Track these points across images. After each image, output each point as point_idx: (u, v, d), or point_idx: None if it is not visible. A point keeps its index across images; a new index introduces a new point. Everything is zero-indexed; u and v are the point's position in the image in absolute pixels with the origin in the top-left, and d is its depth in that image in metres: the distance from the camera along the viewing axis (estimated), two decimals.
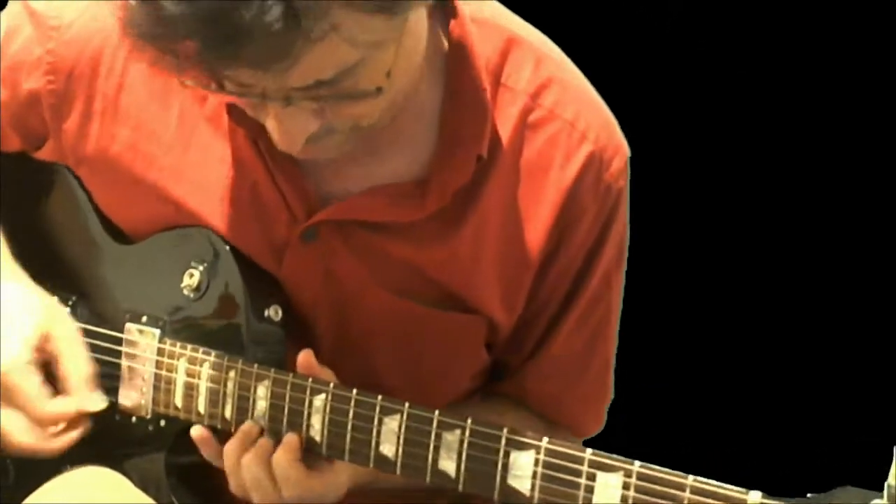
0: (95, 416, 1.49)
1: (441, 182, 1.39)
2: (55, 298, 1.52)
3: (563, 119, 1.42)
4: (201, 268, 1.45)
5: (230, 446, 1.41)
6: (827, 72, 2.31)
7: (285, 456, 1.38)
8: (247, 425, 1.41)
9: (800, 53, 2.33)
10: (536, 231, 1.43)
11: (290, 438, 1.39)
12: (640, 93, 2.31)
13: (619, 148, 1.46)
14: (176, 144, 1.43)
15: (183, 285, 1.46)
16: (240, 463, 1.40)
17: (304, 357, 1.41)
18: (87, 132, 1.46)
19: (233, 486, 1.42)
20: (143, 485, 1.50)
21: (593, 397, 1.56)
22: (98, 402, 1.46)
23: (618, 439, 1.47)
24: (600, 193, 1.44)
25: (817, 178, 2.36)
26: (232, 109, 1.39)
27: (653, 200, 2.27)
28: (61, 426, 1.45)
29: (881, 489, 1.20)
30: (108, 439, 1.51)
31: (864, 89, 2.31)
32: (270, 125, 1.28)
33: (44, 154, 1.51)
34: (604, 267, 1.47)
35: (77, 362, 1.46)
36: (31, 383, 1.44)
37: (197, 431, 1.43)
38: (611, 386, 1.57)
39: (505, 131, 1.41)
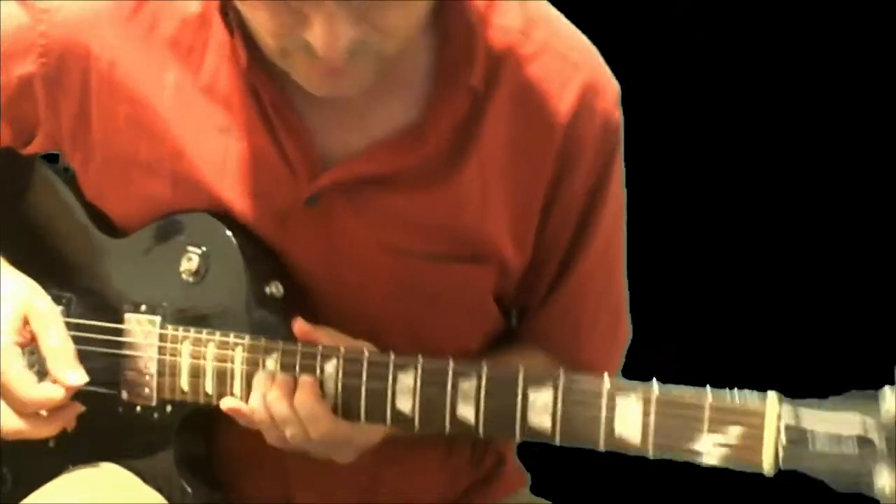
0: (98, 411, 1.50)
1: (437, 119, 1.42)
2: (32, 281, 1.51)
3: (554, 52, 1.46)
4: (199, 251, 1.47)
5: (253, 399, 1.42)
6: (830, 70, 2.38)
7: (305, 394, 1.40)
8: (259, 375, 1.42)
9: (802, 53, 2.39)
10: (539, 164, 1.45)
11: (306, 378, 1.41)
12: (644, 89, 2.35)
13: (611, 81, 1.50)
14: (174, 117, 1.45)
15: (181, 270, 1.48)
16: (268, 407, 1.41)
17: (299, 326, 1.43)
18: (89, 113, 1.47)
19: (269, 437, 1.43)
20: (153, 476, 1.50)
21: (610, 338, 1.59)
22: (76, 377, 1.45)
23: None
24: (598, 125, 1.47)
25: (821, 168, 2.41)
26: (250, 61, 1.40)
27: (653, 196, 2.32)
28: (47, 411, 1.45)
29: None
30: (113, 433, 1.51)
31: (866, 88, 2.37)
32: (315, 32, 1.28)
33: (34, 147, 1.52)
34: (609, 206, 1.51)
35: (51, 339, 1.46)
36: (14, 368, 1.44)
37: (228, 403, 1.44)
38: (626, 329, 1.61)
39: (498, 66, 1.44)
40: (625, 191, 1.55)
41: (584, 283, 1.53)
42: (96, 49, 1.46)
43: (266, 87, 1.42)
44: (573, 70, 1.47)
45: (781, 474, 1.30)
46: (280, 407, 1.41)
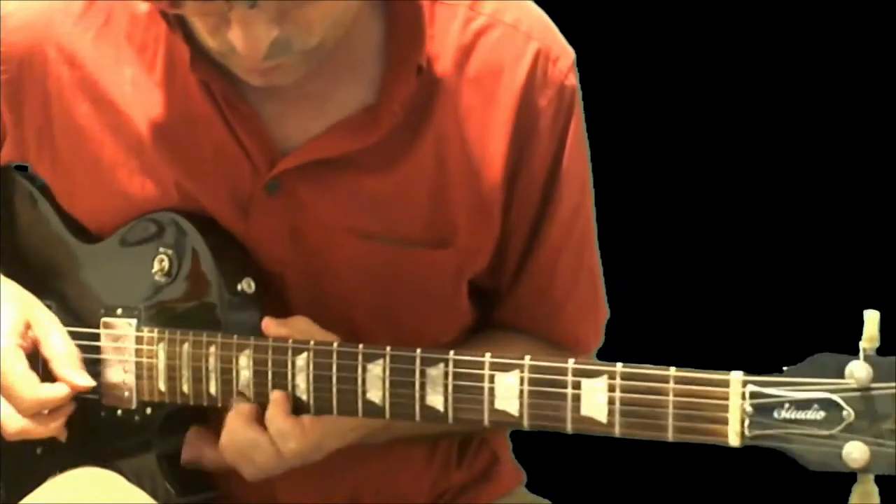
0: (81, 417, 1.51)
1: (388, 100, 1.42)
2: (27, 291, 1.53)
3: (504, 23, 1.46)
4: (171, 252, 1.48)
5: (223, 439, 1.43)
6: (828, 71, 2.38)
7: (275, 411, 1.40)
8: (230, 415, 1.43)
9: (800, 53, 2.39)
10: (498, 138, 1.45)
11: (277, 394, 1.40)
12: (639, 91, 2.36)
13: (565, 47, 1.49)
14: (134, 111, 1.46)
15: (154, 271, 1.49)
16: (235, 438, 1.42)
17: (266, 323, 1.43)
18: (50, 115, 1.49)
19: (245, 472, 1.44)
20: (137, 478, 1.51)
21: (588, 311, 1.57)
22: (84, 380, 1.48)
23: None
24: (553, 92, 1.46)
25: (817, 174, 2.41)
26: (193, 58, 1.41)
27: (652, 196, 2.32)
28: (50, 410, 1.47)
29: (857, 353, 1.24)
30: (96, 437, 1.52)
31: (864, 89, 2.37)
32: (234, 35, 1.30)
33: (3, 158, 1.54)
34: (572, 175, 1.49)
35: (57, 344, 1.48)
36: (17, 371, 1.45)
37: (192, 436, 1.48)
38: (604, 299, 1.59)
39: (449, 43, 1.44)
40: (589, 160, 1.53)
41: (554, 255, 1.51)
42: (53, 52, 1.48)
43: (215, 80, 1.42)
44: (524, 40, 1.46)
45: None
46: (246, 433, 1.42)
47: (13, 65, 1.49)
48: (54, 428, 1.48)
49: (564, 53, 1.49)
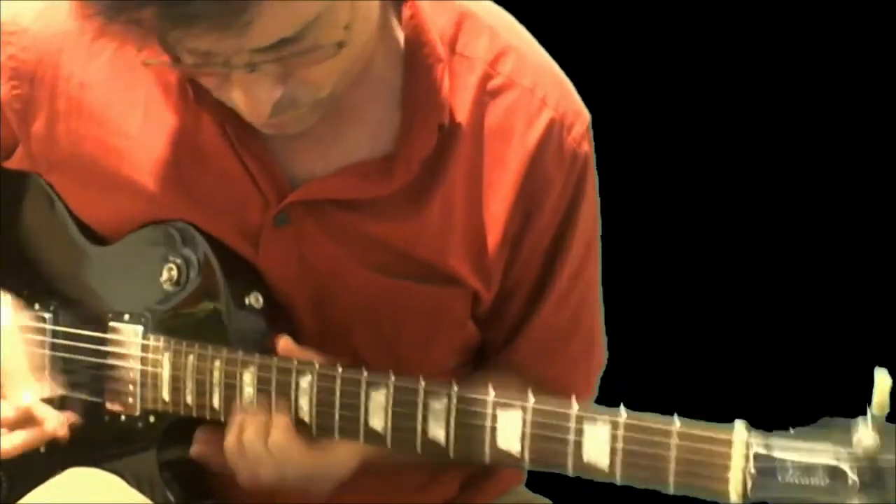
0: (85, 420, 1.51)
1: (406, 155, 1.40)
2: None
3: (521, 86, 1.43)
4: (179, 261, 1.46)
5: (229, 440, 1.42)
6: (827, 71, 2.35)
7: (280, 435, 1.39)
8: (238, 418, 1.41)
9: (800, 53, 2.36)
10: (501, 199, 1.43)
11: (280, 418, 1.39)
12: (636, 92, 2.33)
13: (580, 113, 1.47)
14: (143, 138, 1.44)
15: (163, 280, 1.47)
16: (242, 446, 1.41)
17: (284, 343, 1.42)
18: (55, 134, 1.47)
19: (242, 478, 1.43)
20: (138, 483, 1.51)
21: (581, 367, 1.56)
22: (43, 391, 1.48)
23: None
24: (565, 160, 1.45)
25: (815, 172, 2.39)
26: (198, 95, 1.40)
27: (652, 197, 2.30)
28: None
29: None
30: (98, 441, 1.52)
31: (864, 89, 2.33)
32: (236, 96, 1.29)
33: (14, 163, 1.52)
34: (579, 239, 1.48)
35: (9, 359, 1.47)
36: None
37: (202, 434, 1.46)
38: (601, 354, 1.58)
39: (465, 99, 1.42)
40: (599, 219, 1.52)
41: (553, 313, 1.50)
42: (65, 71, 1.46)
43: (223, 116, 1.39)
44: (539, 106, 1.44)
45: None
46: (257, 446, 1.40)
47: (25, 81, 1.47)
48: (52, 430, 1.47)
49: (579, 120, 1.46)
